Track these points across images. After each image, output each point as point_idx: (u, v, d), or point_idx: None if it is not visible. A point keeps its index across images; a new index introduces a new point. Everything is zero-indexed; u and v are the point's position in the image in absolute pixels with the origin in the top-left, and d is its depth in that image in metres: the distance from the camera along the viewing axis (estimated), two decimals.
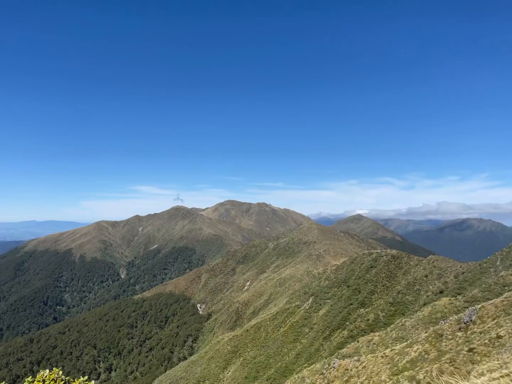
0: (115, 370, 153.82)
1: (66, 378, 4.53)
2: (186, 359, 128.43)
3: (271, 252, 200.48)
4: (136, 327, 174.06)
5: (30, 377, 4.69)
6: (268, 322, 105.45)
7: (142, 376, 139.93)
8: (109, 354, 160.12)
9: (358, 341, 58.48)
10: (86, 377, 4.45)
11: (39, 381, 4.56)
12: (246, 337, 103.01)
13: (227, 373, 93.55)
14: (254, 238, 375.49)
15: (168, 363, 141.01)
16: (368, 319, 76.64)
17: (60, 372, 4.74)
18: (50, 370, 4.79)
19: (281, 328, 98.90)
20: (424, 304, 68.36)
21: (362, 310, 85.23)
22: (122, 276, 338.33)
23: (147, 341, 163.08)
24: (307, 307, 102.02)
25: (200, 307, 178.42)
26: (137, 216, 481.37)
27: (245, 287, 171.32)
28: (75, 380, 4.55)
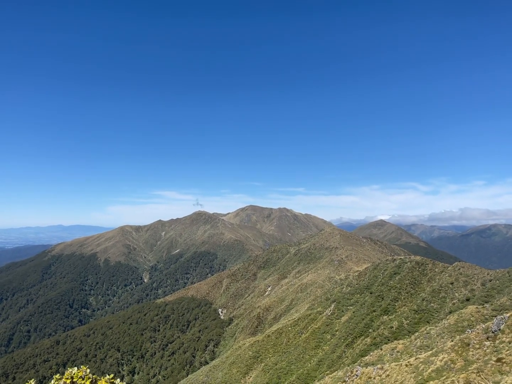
0: (138, 373, 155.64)
1: (93, 376, 4.71)
2: (208, 363, 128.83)
3: (293, 258, 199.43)
4: (158, 330, 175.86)
5: (58, 375, 4.89)
6: (289, 328, 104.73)
7: (164, 379, 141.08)
8: (132, 357, 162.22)
9: (381, 349, 57.41)
10: (112, 375, 4.62)
11: (67, 378, 4.75)
12: (268, 343, 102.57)
13: (249, 378, 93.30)
14: (275, 243, 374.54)
15: (190, 367, 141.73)
16: (392, 327, 75.14)
17: (88, 370, 4.93)
18: (78, 368, 4.98)
19: (303, 334, 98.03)
20: (450, 312, 66.57)
21: (385, 317, 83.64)
22: (145, 280, 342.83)
23: (169, 345, 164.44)
24: (329, 314, 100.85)
25: (222, 312, 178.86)
26: (159, 221, 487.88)
27: (266, 293, 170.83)
28: (102, 378, 4.73)
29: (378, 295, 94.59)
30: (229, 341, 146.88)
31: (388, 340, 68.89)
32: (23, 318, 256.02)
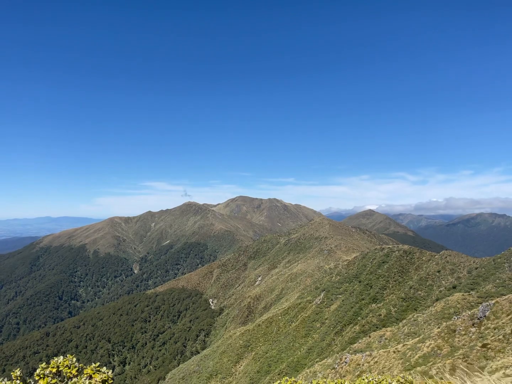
0: (129, 363, 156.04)
1: (80, 365, 4.67)
2: (199, 353, 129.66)
3: (283, 248, 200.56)
4: (149, 321, 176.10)
5: (44, 363, 4.85)
6: (279, 317, 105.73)
7: (155, 369, 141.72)
8: (123, 348, 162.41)
9: (370, 336, 58.37)
10: (98, 363, 4.59)
11: (53, 367, 4.71)
12: (258, 332, 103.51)
13: (239, 367, 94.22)
14: (265, 233, 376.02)
15: (181, 357, 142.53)
16: (380, 314, 76.34)
17: (74, 359, 4.88)
18: (64, 357, 4.94)
19: (293, 323, 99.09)
20: (437, 300, 67.82)
21: (374, 305, 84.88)
22: (135, 271, 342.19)
23: (160, 335, 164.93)
24: (318, 302, 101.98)
25: (212, 302, 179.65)
26: (149, 212, 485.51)
27: (257, 282, 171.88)
28: (88, 366, 4.70)
29: (367, 284, 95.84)
30: (220, 330, 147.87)
31: (377, 327, 70.02)
32: (12, 310, 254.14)
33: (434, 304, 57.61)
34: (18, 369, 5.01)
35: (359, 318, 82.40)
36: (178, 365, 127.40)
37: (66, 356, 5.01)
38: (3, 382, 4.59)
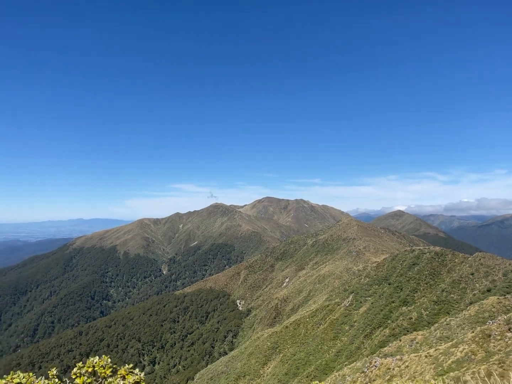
0: (159, 363, 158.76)
1: (114, 366, 4.83)
2: (227, 354, 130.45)
3: (310, 249, 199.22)
4: (178, 322, 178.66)
5: (81, 363, 5.03)
6: (307, 319, 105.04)
7: (184, 369, 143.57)
8: (152, 348, 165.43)
9: (400, 340, 57.08)
10: (131, 365, 4.73)
11: (89, 367, 4.88)
12: (286, 334, 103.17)
13: (267, 369, 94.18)
14: (292, 234, 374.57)
15: (209, 357, 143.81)
16: (411, 318, 74.55)
17: (109, 360, 5.05)
18: (100, 357, 5.11)
19: (321, 325, 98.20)
20: (471, 303, 65.60)
21: (404, 308, 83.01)
22: (164, 272, 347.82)
23: (188, 335, 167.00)
24: (347, 305, 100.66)
25: (240, 303, 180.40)
26: (177, 213, 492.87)
27: (284, 284, 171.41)
28: (121, 367, 4.85)
29: (397, 286, 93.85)
30: (248, 332, 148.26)
31: (407, 331, 68.41)
32: (47, 309, 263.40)
33: (468, 308, 55.75)
34: (55, 368, 5.23)
35: (389, 321, 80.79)
36: (207, 366, 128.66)
37: (101, 356, 5.19)
38: (41, 380, 4.80)
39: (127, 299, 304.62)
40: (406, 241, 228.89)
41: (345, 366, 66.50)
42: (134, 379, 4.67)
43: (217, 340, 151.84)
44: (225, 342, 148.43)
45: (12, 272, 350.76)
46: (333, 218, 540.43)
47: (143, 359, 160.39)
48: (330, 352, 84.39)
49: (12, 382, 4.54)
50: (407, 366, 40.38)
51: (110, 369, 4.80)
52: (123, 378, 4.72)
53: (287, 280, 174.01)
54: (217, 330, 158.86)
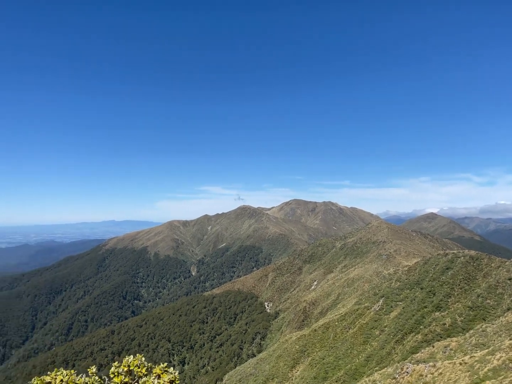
0: (188, 363, 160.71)
1: (148, 365, 4.96)
2: (255, 356, 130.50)
3: (338, 252, 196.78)
4: (206, 322, 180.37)
5: (117, 362, 5.20)
6: (336, 323, 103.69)
7: (213, 370, 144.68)
8: (182, 348, 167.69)
9: (433, 346, 55.46)
10: (165, 364, 4.85)
11: (125, 366, 5.04)
12: (314, 337, 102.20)
13: (296, 372, 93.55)
14: (320, 237, 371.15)
15: (237, 359, 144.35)
16: (445, 324, 72.28)
17: (143, 359, 5.19)
18: (134, 357, 5.26)
19: (350, 330, 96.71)
20: (508, 309, 62.96)
21: (437, 313, 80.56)
22: (193, 273, 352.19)
23: (217, 336, 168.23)
24: (377, 309, 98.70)
25: (268, 305, 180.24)
26: (206, 215, 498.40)
27: (312, 287, 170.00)
28: (156, 366, 4.98)
29: (430, 291, 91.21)
30: (276, 334, 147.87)
31: (441, 337, 66.37)
32: (81, 308, 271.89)
33: (505, 314, 53.55)
34: (94, 366, 5.44)
35: (421, 327, 78.61)
36: (235, 367, 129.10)
37: (136, 355, 5.33)
38: (82, 378, 4.99)
39: (157, 299, 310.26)
40: (439, 244, 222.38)
41: (375, 371, 65.19)
42: (169, 378, 4.78)
43: (245, 342, 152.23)
44: (253, 344, 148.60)
45: (48, 272, 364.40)
46: (362, 221, 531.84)
47: (172, 359, 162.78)
48: (360, 356, 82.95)
49: (56, 379, 4.73)
50: (441, 373, 39.17)
51: (145, 368, 4.93)
52: (158, 377, 4.84)
53: (315, 283, 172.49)
54: (246, 332, 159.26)
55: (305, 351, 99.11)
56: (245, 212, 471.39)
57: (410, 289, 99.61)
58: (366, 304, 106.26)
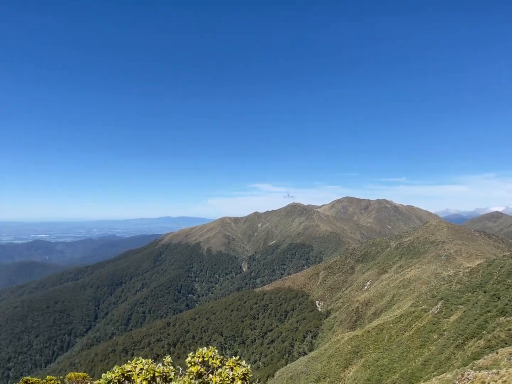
0: (240, 358, 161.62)
1: (221, 357, 5.25)
2: (306, 354, 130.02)
3: (393, 252, 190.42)
4: (257, 318, 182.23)
5: (192, 353, 5.55)
6: (391, 325, 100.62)
7: (264, 366, 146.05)
8: (234, 342, 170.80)
9: (497, 353, 52.20)
10: (238, 357, 5.11)
11: (198, 356, 5.37)
12: (368, 338, 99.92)
13: (348, 372, 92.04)
14: (373, 236, 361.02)
15: (288, 356, 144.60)
16: (510, 329, 67.70)
17: (216, 351, 5.50)
18: (207, 348, 5.58)
19: (406, 332, 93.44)
20: None
21: (502, 318, 75.60)
22: (244, 270, 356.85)
23: (268, 333, 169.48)
24: (435, 312, 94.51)
25: (319, 304, 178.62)
26: (256, 212, 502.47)
27: (365, 287, 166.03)
28: (229, 359, 5.25)
29: (494, 294, 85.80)
30: (327, 333, 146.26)
31: (505, 343, 62.26)
32: (139, 300, 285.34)
33: None
34: (169, 356, 5.85)
35: (484, 332, 74.21)
36: (286, 364, 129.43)
37: (208, 347, 5.65)
38: (159, 366, 5.39)
39: (210, 293, 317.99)
40: (504, 245, 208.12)
41: (433, 376, 62.55)
42: (242, 371, 5.03)
43: (296, 340, 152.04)
44: (304, 342, 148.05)
45: (109, 265, 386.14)
46: (419, 220, 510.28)
47: (225, 353, 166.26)
48: (417, 360, 79.93)
49: (136, 367, 5.16)
50: (505, 382, 36.83)
51: (219, 360, 5.22)
52: (231, 369, 5.11)
53: (368, 283, 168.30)
54: (296, 330, 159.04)
55: (358, 352, 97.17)
56: (295, 210, 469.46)
57: (472, 292, 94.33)
58: (423, 306, 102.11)
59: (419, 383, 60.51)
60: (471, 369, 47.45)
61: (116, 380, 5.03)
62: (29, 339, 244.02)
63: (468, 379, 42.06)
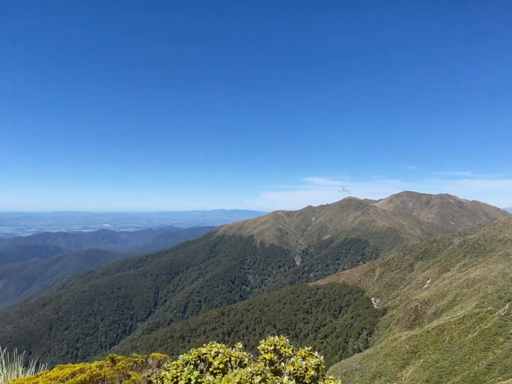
0: (312, 349, 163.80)
1: (292, 347, 5.37)
2: (361, 351, 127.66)
3: (457, 249, 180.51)
4: (311, 313, 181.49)
5: (263, 340, 5.72)
6: (453, 326, 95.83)
7: None
8: (287, 335, 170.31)
9: None
10: (310, 347, 5.19)
11: (270, 344, 5.53)
12: (427, 339, 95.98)
13: (405, 372, 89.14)
14: (435, 232, 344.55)
15: (342, 352, 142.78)
16: None
17: (287, 340, 5.63)
18: (279, 337, 5.72)
19: (469, 334, 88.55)
20: None
21: None
22: (297, 263, 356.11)
23: (321, 328, 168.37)
24: (502, 314, 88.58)
25: (375, 301, 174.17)
26: (309, 206, 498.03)
27: (425, 285, 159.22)
28: (301, 349, 5.36)
29: None
30: (383, 331, 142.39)
31: None
32: (195, 289, 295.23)
33: None
34: (240, 342, 6.09)
35: None
36: (340, 360, 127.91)
37: (279, 336, 5.79)
38: (235, 351, 5.62)
39: (263, 286, 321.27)
40: None
41: (497, 381, 59.06)
42: (315, 362, 5.12)
43: (350, 336, 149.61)
44: (359, 339, 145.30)
45: (168, 254, 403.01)
46: (486, 216, 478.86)
47: None
48: (480, 364, 75.58)
49: (211, 350, 5.42)
50: None
51: (291, 349, 5.35)
52: (303, 359, 5.21)
53: (428, 281, 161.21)
54: (351, 326, 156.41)
55: (416, 352, 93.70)
56: (350, 204, 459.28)
57: None
58: (489, 307, 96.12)
59: None
60: None
61: (193, 362, 5.32)
62: (95, 322, 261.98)
63: None
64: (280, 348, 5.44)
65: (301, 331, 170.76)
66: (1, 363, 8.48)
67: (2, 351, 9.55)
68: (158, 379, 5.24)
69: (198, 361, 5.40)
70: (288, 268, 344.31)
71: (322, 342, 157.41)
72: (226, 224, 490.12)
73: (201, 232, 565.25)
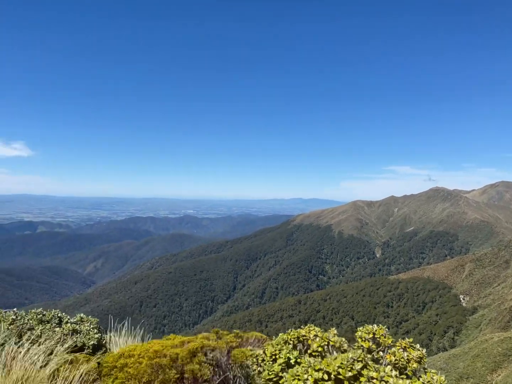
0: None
1: (391, 337, 5.36)
2: (447, 350, 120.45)
3: None
4: (392, 307, 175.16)
5: (362, 327, 5.79)
6: None
7: None
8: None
9: None
10: (411, 339, 5.15)
11: (368, 333, 5.57)
12: None
13: (496, 376, 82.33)
14: None
15: (426, 350, 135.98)
16: None
17: (387, 329, 5.63)
18: (378, 326, 5.74)
19: None
20: None
21: None
22: (377, 255, 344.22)
23: (403, 323, 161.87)
24: None
25: (464, 299, 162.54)
26: (392, 196, 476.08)
27: None
28: (401, 340, 5.33)
29: None
30: (473, 331, 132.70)
31: None
32: (272, 276, 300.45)
33: None
34: (334, 328, 6.23)
35: None
36: None
37: (378, 325, 5.81)
38: (335, 335, 5.76)
39: (340, 276, 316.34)
40: None
41: None
42: (417, 354, 5.07)
43: (435, 334, 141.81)
44: (444, 338, 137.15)
45: (246, 241, 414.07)
46: None
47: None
48: None
49: (310, 333, 5.63)
50: None
51: (391, 340, 5.34)
52: (404, 350, 5.18)
53: None
54: (436, 323, 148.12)
55: (510, 355, 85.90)
56: (438, 194, 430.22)
57: None
58: None
59: None
60: None
61: (291, 342, 5.57)
62: (180, 301, 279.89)
63: None
64: (380, 337, 5.45)
65: (381, 325, 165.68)
66: (116, 330, 9.57)
67: (101, 322, 10.69)
68: (259, 356, 5.57)
69: (296, 342, 5.64)
70: (368, 260, 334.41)
71: (403, 338, 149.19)
72: (304, 213, 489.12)
73: (278, 220, 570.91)
